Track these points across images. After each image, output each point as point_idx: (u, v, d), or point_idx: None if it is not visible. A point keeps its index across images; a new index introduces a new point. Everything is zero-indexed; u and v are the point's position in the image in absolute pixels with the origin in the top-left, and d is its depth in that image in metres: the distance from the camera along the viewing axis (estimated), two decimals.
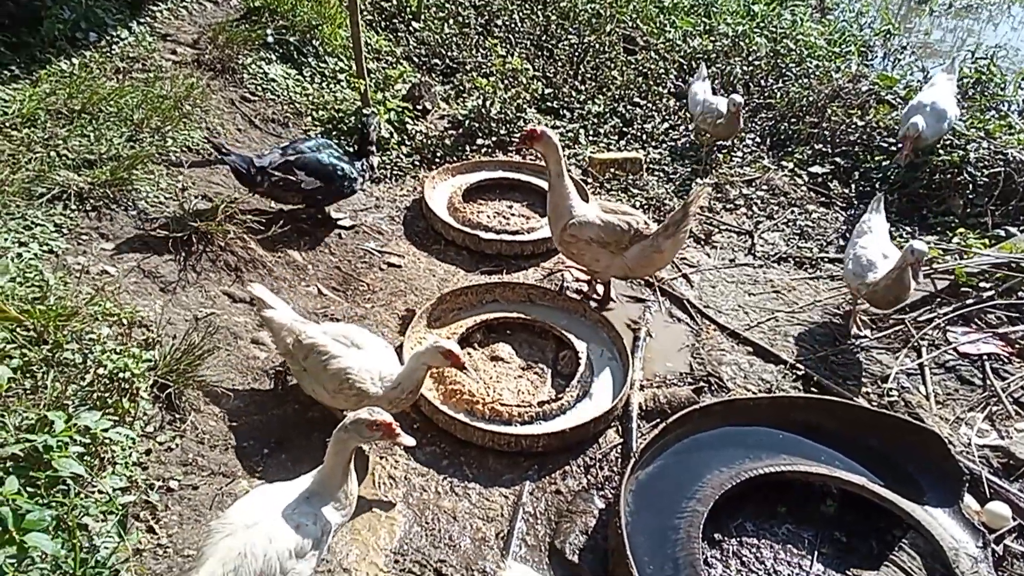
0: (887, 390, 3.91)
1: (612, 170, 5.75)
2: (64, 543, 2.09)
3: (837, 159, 5.98)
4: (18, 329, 2.90)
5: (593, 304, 4.41)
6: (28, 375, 2.81)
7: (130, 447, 2.76)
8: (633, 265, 4.10)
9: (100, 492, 2.49)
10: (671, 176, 5.85)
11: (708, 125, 5.84)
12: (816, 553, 3.11)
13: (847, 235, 5.26)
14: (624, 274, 4.23)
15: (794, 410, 3.55)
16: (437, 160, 5.76)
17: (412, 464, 3.38)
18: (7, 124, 4.03)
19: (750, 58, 7.17)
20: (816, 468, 3.27)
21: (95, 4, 5.19)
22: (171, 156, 4.54)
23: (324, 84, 6.08)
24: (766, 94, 6.81)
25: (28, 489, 2.13)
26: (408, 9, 7.28)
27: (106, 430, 2.37)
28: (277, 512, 2.31)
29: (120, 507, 2.38)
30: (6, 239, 3.38)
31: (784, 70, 7.05)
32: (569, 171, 4.35)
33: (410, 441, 2.60)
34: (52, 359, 2.88)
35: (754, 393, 3.90)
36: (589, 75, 6.95)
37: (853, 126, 6.14)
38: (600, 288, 4.52)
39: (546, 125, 6.18)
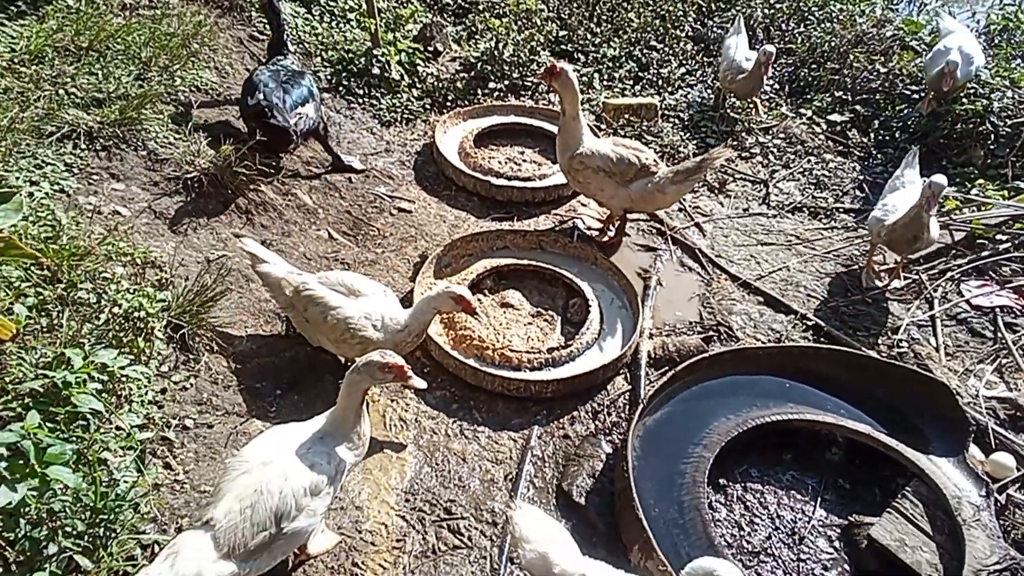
0: (897, 341, 3.91)
1: (626, 116, 5.65)
2: (85, 476, 2.14)
3: (857, 107, 5.84)
4: (32, 268, 2.92)
5: (606, 237, 4.49)
6: (43, 313, 2.83)
7: (146, 386, 2.80)
8: (636, 199, 4.19)
9: (118, 428, 2.54)
10: (686, 123, 5.73)
11: (728, 82, 5.56)
12: (819, 499, 3.16)
13: (864, 185, 5.18)
14: (627, 206, 4.29)
15: (803, 359, 3.56)
16: (448, 104, 5.67)
17: (423, 407, 3.43)
18: (15, 61, 3.98)
19: (771, 0, 6.94)
20: (822, 417, 3.29)
21: None
22: (180, 96, 4.49)
23: (334, 23, 5.95)
24: (786, 39, 6.62)
25: (48, 424, 2.17)
26: None
27: (123, 368, 2.40)
28: (292, 451, 2.36)
29: (138, 443, 2.43)
30: (18, 178, 3.38)
31: (806, 13, 6.83)
32: (584, 115, 4.29)
33: (421, 384, 2.62)
34: (67, 298, 2.90)
35: (764, 343, 3.90)
36: (605, 17, 6.76)
37: (875, 73, 5.98)
38: (615, 224, 4.52)
39: None
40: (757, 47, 5.57)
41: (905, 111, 5.66)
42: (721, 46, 6.08)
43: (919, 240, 3.87)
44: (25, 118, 3.62)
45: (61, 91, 3.98)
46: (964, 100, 5.39)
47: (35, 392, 2.25)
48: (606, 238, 4.50)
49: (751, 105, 5.93)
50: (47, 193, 3.43)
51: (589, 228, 4.61)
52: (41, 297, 2.84)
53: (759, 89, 5.64)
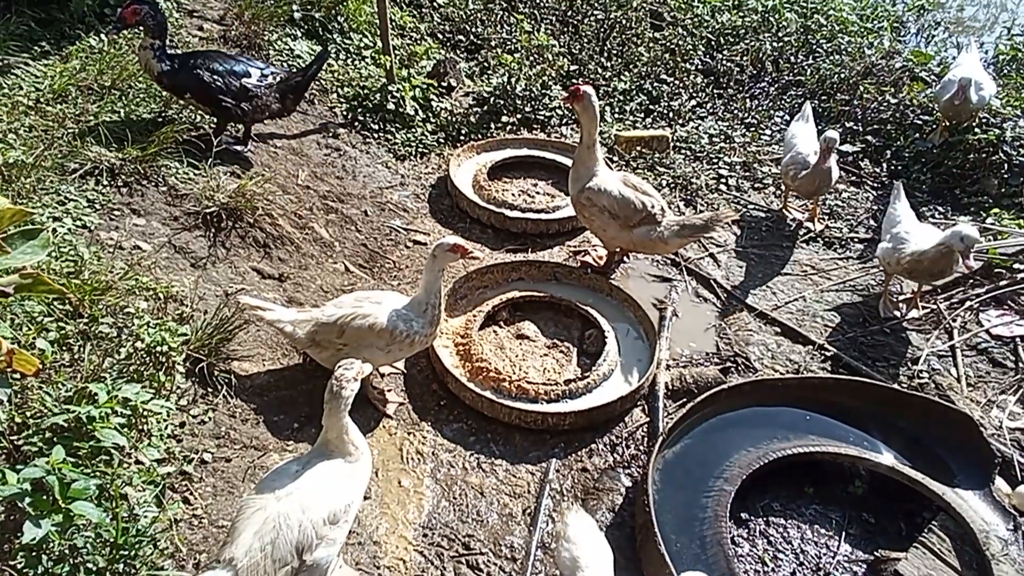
0: (917, 372, 3.88)
1: (638, 148, 5.69)
2: (107, 512, 2.13)
3: (868, 137, 5.87)
4: (55, 302, 2.95)
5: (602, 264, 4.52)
6: (65, 348, 2.86)
7: (166, 420, 2.81)
8: (637, 243, 4.19)
9: (138, 463, 2.54)
10: (698, 155, 5.77)
11: (789, 178, 4.82)
12: (844, 534, 3.11)
13: (878, 215, 5.18)
14: (628, 248, 4.31)
15: (823, 391, 3.53)
16: (462, 137, 5.74)
17: (440, 440, 3.41)
18: (40, 100, 4.07)
19: (780, 34, 7.04)
20: (844, 449, 3.26)
21: None
22: (199, 131, 4.56)
23: (349, 61, 6.06)
24: (796, 71, 6.68)
25: (71, 459, 2.17)
26: None
27: (146, 402, 2.41)
28: (307, 482, 2.34)
29: (160, 478, 2.43)
30: (42, 214, 3.43)
31: (815, 46, 6.91)
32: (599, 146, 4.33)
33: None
34: (89, 332, 2.93)
35: (782, 374, 3.87)
36: (615, 51, 6.86)
37: (885, 104, 6.01)
38: (612, 259, 4.52)
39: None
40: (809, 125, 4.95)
41: (917, 141, 5.68)
42: (785, 131, 5.34)
43: (945, 274, 3.86)
44: (49, 156, 3.69)
45: (84, 128, 4.06)
46: (977, 130, 5.41)
47: (59, 427, 2.26)
48: (601, 264, 4.50)
49: (809, 209, 5.15)
50: (70, 229, 3.49)
51: (598, 259, 4.60)
52: (63, 332, 2.88)
53: (826, 188, 4.77)
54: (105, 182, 3.86)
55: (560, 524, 2.41)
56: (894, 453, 3.30)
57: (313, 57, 4.87)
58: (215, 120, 4.52)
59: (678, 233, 4.07)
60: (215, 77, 4.26)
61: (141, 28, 4.11)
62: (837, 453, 3.24)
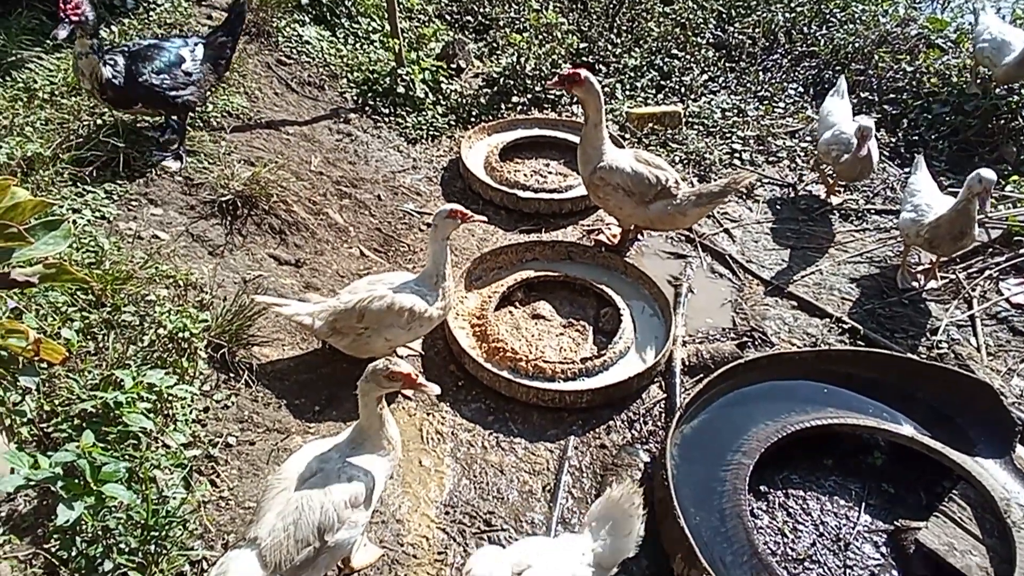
0: (937, 342, 3.85)
1: (650, 124, 5.65)
2: (137, 494, 2.19)
3: (884, 107, 5.79)
4: (78, 293, 3.00)
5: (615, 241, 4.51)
6: (90, 337, 2.91)
7: (190, 405, 2.86)
8: (654, 219, 4.13)
9: (165, 446, 2.59)
10: (711, 130, 5.72)
11: (831, 159, 4.64)
12: (863, 504, 3.11)
13: (895, 186, 5.12)
14: (645, 225, 4.25)
15: (840, 363, 3.52)
16: (473, 119, 5.73)
17: (459, 420, 3.45)
18: (55, 93, 4.11)
19: (792, 4, 6.92)
20: (863, 420, 3.25)
21: None
22: (212, 121, 4.59)
23: (358, 45, 6.06)
24: (809, 41, 6.59)
25: (100, 444, 2.23)
26: None
27: (171, 387, 2.46)
28: (330, 465, 2.38)
29: (187, 460, 2.48)
30: (61, 206, 3.48)
31: (828, 16, 6.80)
32: (607, 124, 4.30)
33: (435, 388, 2.56)
34: (112, 321, 2.98)
35: (799, 347, 3.87)
36: (625, 28, 6.80)
37: (901, 72, 5.92)
38: (627, 238, 4.51)
39: None
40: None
41: (937, 106, 5.56)
42: (820, 106, 5.15)
43: (966, 237, 3.80)
44: (66, 148, 3.73)
45: (99, 120, 4.10)
46: (994, 94, 5.32)
47: (87, 413, 2.31)
48: (615, 242, 4.49)
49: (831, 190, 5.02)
50: (89, 220, 3.54)
51: (611, 237, 4.58)
52: (87, 321, 2.93)
53: (869, 173, 4.61)
54: (122, 173, 3.90)
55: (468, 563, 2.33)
56: (914, 424, 3.29)
57: (230, 9, 4.41)
58: (161, 119, 4.26)
59: (696, 203, 4.01)
60: (162, 76, 3.91)
61: (79, 29, 3.58)
62: (856, 424, 3.24)
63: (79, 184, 3.69)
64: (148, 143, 4.15)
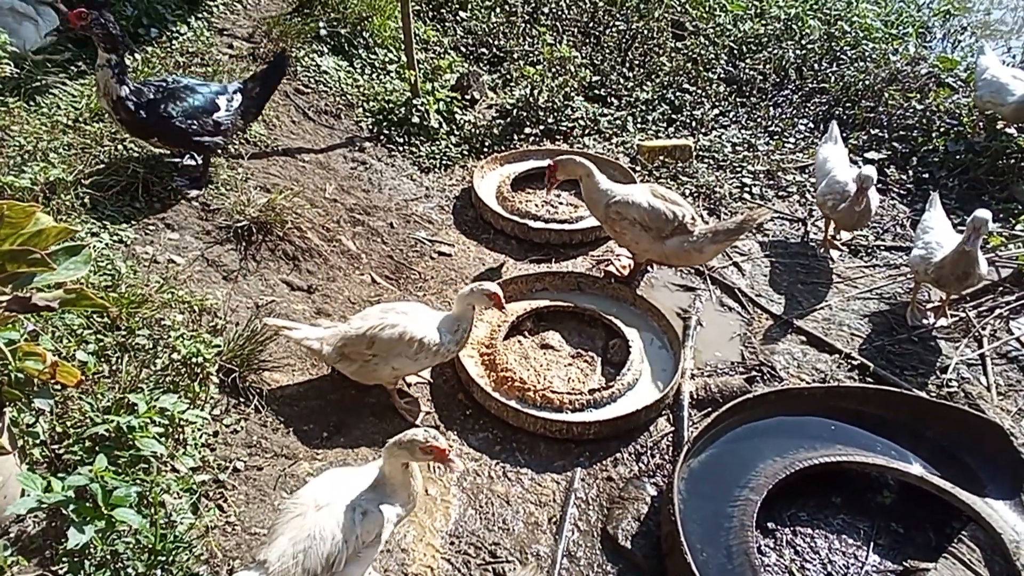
0: (947, 381, 3.84)
1: (661, 157, 5.71)
2: (146, 518, 2.21)
3: (895, 144, 5.83)
4: (94, 315, 3.05)
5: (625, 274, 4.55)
6: (104, 360, 2.95)
7: (201, 429, 2.89)
8: (670, 254, 4.14)
9: (174, 471, 2.62)
10: (721, 164, 5.77)
11: (828, 208, 4.59)
12: (872, 544, 3.09)
13: (904, 223, 5.14)
14: (660, 260, 4.28)
15: (850, 400, 3.52)
16: (486, 149, 5.80)
17: (465, 449, 3.45)
18: (79, 119, 4.21)
19: (803, 41, 7.02)
20: (872, 459, 3.24)
21: (156, 1, 5.35)
22: (230, 148, 4.67)
23: (374, 75, 6.17)
24: (819, 78, 6.66)
25: (112, 467, 2.25)
26: None
27: (182, 412, 2.49)
28: (347, 497, 2.39)
29: (196, 485, 2.50)
30: (80, 229, 3.54)
31: (839, 53, 6.88)
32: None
33: (460, 465, 2.60)
34: (126, 344, 3.02)
35: (808, 383, 3.86)
36: (637, 62, 6.90)
37: (911, 110, 5.97)
38: (638, 270, 4.55)
39: (594, 113, 6.18)
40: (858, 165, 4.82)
41: (945, 146, 5.62)
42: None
43: (970, 277, 3.82)
44: (88, 173, 3.81)
45: (120, 146, 4.19)
46: (1005, 135, 5.35)
47: (100, 436, 2.34)
48: (625, 274, 4.54)
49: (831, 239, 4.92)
50: (107, 243, 3.60)
51: (621, 268, 4.62)
52: (102, 344, 2.97)
53: (867, 222, 4.59)
54: (141, 197, 3.98)
55: None
56: (923, 463, 3.27)
57: (270, 63, 4.53)
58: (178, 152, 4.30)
59: (712, 240, 4.03)
60: (189, 120, 3.95)
61: (94, 39, 3.68)
62: (865, 463, 3.22)
63: (99, 208, 3.77)
64: (168, 168, 4.23)
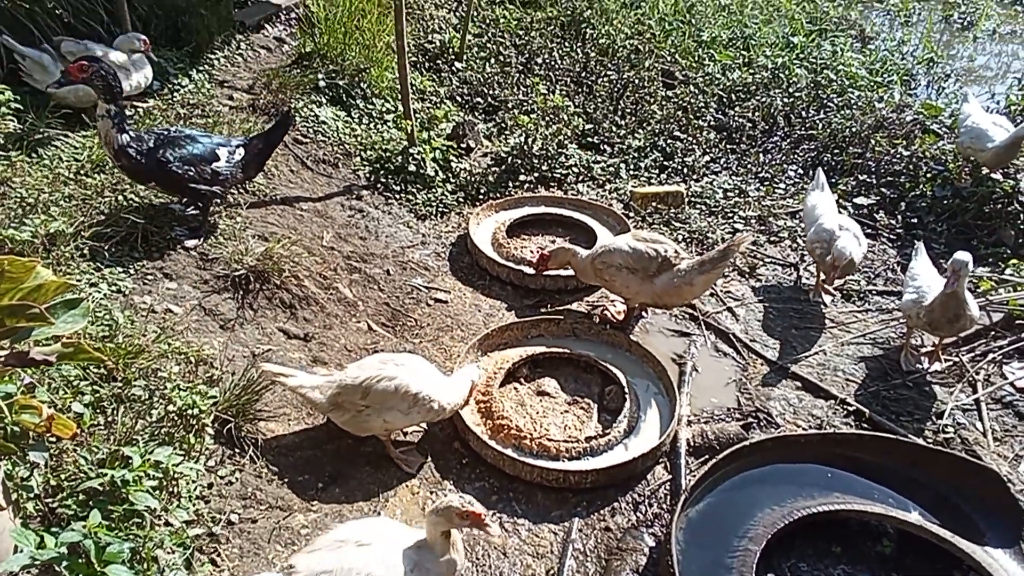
0: (943, 426, 3.84)
1: (654, 204, 5.80)
2: (139, 574, 2.18)
3: (883, 189, 5.93)
4: (90, 367, 3.05)
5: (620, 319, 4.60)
6: (99, 411, 2.95)
7: (195, 481, 2.87)
8: (662, 293, 4.18)
9: (168, 524, 2.59)
10: (713, 209, 5.86)
11: (816, 256, 4.64)
12: None
13: (895, 268, 5.20)
14: (653, 301, 4.30)
15: (846, 447, 3.52)
16: (481, 197, 5.88)
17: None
18: (80, 171, 4.27)
19: (790, 89, 7.19)
20: (871, 507, 3.22)
21: (158, 55, 5.48)
22: (229, 197, 4.73)
23: (372, 125, 6.28)
24: (807, 125, 6.80)
25: (105, 521, 2.23)
26: (451, 50, 7.49)
27: (177, 465, 2.48)
28: (389, 545, 2.45)
29: (189, 539, 2.47)
30: (79, 279, 3.57)
31: (826, 101, 7.04)
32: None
33: (497, 531, 2.62)
34: (122, 395, 3.02)
35: (804, 429, 3.86)
36: (629, 110, 7.05)
37: (898, 156, 6.09)
38: (631, 315, 4.59)
39: (587, 160, 6.28)
40: (851, 214, 4.96)
41: (931, 192, 5.72)
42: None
43: (961, 319, 3.86)
44: (88, 224, 3.85)
45: (120, 197, 4.24)
46: (991, 180, 5.46)
47: (94, 490, 2.32)
48: (620, 320, 4.59)
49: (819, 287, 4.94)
50: (105, 294, 3.62)
51: (616, 314, 4.65)
52: (98, 395, 2.97)
53: (852, 272, 4.71)
54: (140, 247, 4.02)
55: None
56: (921, 510, 3.26)
57: (276, 120, 4.66)
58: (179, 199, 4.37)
59: (700, 270, 4.09)
60: (187, 167, 4.03)
61: (94, 90, 3.80)
62: (863, 511, 3.20)
63: (98, 258, 3.80)
64: (167, 219, 4.28)
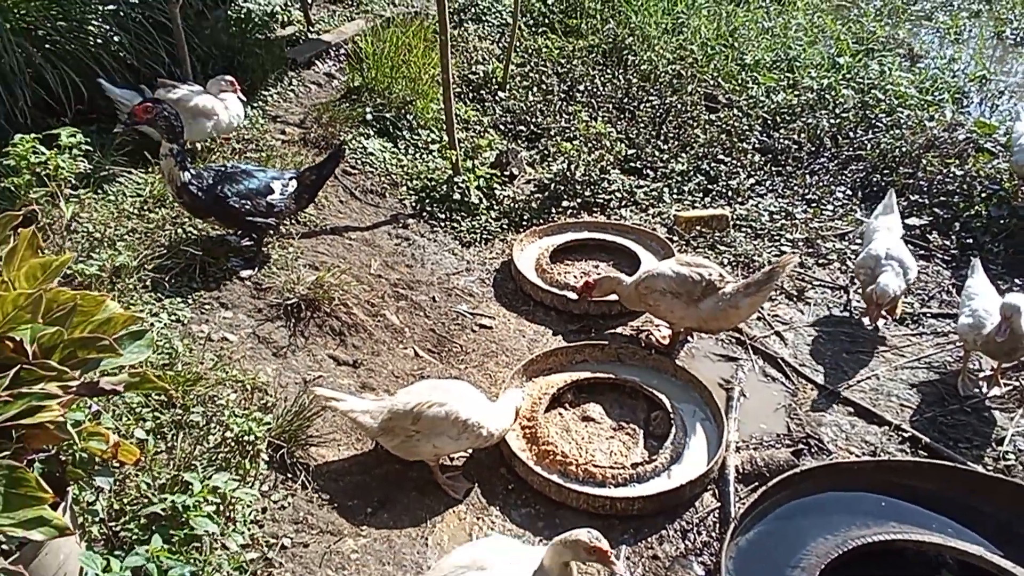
0: (1003, 453, 3.71)
1: (698, 227, 5.77)
2: None
3: (936, 210, 5.80)
4: (152, 394, 3.19)
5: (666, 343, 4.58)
6: (160, 437, 3.07)
7: (250, 506, 2.95)
8: (707, 317, 4.16)
9: (224, 548, 2.67)
10: (759, 232, 5.81)
11: (860, 282, 4.57)
12: None
13: (951, 289, 5.07)
14: (699, 326, 4.28)
15: (902, 474, 3.43)
16: (524, 223, 5.95)
17: (508, 525, 3.44)
18: (143, 207, 4.48)
19: (837, 110, 7.10)
20: (929, 537, 3.13)
21: None
22: (281, 228, 4.90)
23: (417, 155, 6.43)
24: (855, 146, 6.70)
25: (167, 545, 2.32)
26: (494, 80, 7.64)
27: (234, 490, 2.57)
28: (512, 567, 2.53)
29: (245, 564, 2.55)
30: (142, 310, 3.74)
31: (874, 121, 6.93)
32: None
33: (622, 569, 2.65)
34: (182, 422, 3.14)
35: (857, 456, 3.77)
36: (672, 135, 7.06)
37: (951, 176, 5.95)
38: (676, 339, 4.57)
39: (630, 185, 6.31)
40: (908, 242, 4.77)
41: (987, 211, 5.57)
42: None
43: (1019, 351, 3.75)
44: (151, 257, 4.04)
45: (180, 231, 4.43)
46: None
47: (156, 515, 2.42)
48: (665, 344, 4.57)
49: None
50: (165, 324, 3.78)
51: (660, 340, 4.64)
52: (159, 421, 3.10)
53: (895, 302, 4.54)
54: (198, 278, 4.19)
55: None
56: (982, 540, 3.14)
57: (329, 154, 4.84)
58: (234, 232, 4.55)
59: (746, 293, 4.07)
60: (243, 201, 4.21)
61: (158, 131, 4.04)
62: (921, 541, 3.11)
63: (159, 289, 3.98)
64: (224, 250, 4.45)
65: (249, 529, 2.87)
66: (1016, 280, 5.05)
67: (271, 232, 4.59)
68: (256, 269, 4.42)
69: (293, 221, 5.05)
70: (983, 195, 5.73)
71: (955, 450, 3.76)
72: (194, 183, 4.11)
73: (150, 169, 4.94)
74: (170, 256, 4.17)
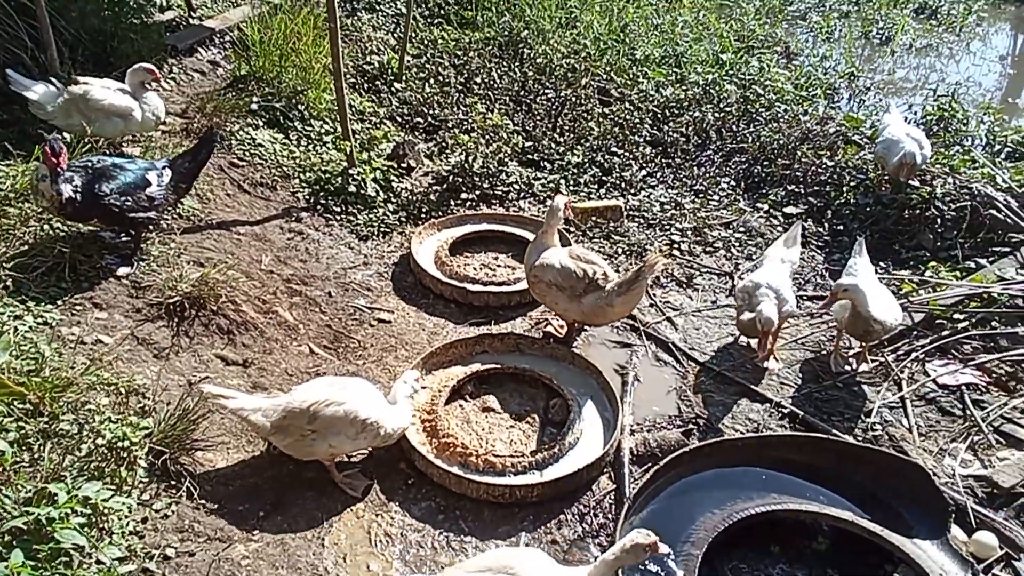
0: (871, 424, 4.00)
1: (593, 218, 5.90)
2: None
3: (810, 199, 6.17)
4: (15, 402, 2.95)
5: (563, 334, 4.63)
6: (25, 447, 2.84)
7: (127, 516, 2.78)
8: (588, 312, 4.25)
9: (99, 563, 2.51)
10: (651, 222, 6.00)
11: (737, 307, 4.42)
12: None
13: (823, 273, 5.41)
14: (581, 319, 4.37)
15: (781, 448, 3.63)
16: (423, 216, 5.90)
17: (408, 520, 3.41)
18: (3, 200, 4.13)
19: (721, 105, 7.43)
20: (805, 506, 3.33)
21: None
22: (162, 224, 4.63)
23: (310, 147, 6.24)
24: (738, 139, 7.04)
25: (30, 561, 2.15)
26: (390, 71, 7.51)
27: (106, 500, 2.41)
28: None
29: None
30: (2, 312, 3.45)
31: (754, 115, 7.30)
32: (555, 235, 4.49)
33: (666, 548, 2.66)
34: (49, 431, 2.92)
35: (742, 433, 3.97)
36: (567, 127, 7.17)
37: (824, 167, 6.35)
38: (573, 329, 4.62)
39: (528, 177, 6.37)
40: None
41: (855, 200, 5.98)
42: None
43: (871, 333, 4.09)
44: (12, 254, 3.73)
45: (46, 226, 4.11)
46: (910, 187, 5.74)
47: (18, 529, 2.24)
48: (563, 334, 4.63)
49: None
50: (31, 326, 3.50)
51: (559, 328, 4.71)
52: (23, 431, 2.87)
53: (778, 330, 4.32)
54: (67, 277, 3.90)
55: None
56: (853, 507, 3.38)
57: (199, 140, 4.67)
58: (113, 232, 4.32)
59: (619, 293, 4.15)
60: (123, 198, 3.98)
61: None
62: (797, 510, 3.31)
63: (23, 290, 3.68)
64: (96, 247, 4.17)
65: (127, 540, 2.71)
66: (880, 263, 5.44)
67: (151, 227, 4.33)
68: (134, 266, 4.17)
69: (174, 216, 4.79)
70: (852, 184, 6.15)
71: (829, 423, 4.02)
72: (75, 192, 3.81)
73: (10, 162, 4.56)
74: (35, 254, 3.86)
